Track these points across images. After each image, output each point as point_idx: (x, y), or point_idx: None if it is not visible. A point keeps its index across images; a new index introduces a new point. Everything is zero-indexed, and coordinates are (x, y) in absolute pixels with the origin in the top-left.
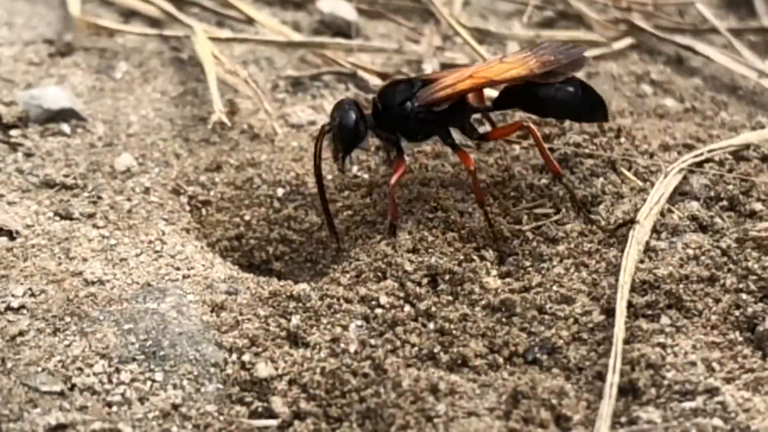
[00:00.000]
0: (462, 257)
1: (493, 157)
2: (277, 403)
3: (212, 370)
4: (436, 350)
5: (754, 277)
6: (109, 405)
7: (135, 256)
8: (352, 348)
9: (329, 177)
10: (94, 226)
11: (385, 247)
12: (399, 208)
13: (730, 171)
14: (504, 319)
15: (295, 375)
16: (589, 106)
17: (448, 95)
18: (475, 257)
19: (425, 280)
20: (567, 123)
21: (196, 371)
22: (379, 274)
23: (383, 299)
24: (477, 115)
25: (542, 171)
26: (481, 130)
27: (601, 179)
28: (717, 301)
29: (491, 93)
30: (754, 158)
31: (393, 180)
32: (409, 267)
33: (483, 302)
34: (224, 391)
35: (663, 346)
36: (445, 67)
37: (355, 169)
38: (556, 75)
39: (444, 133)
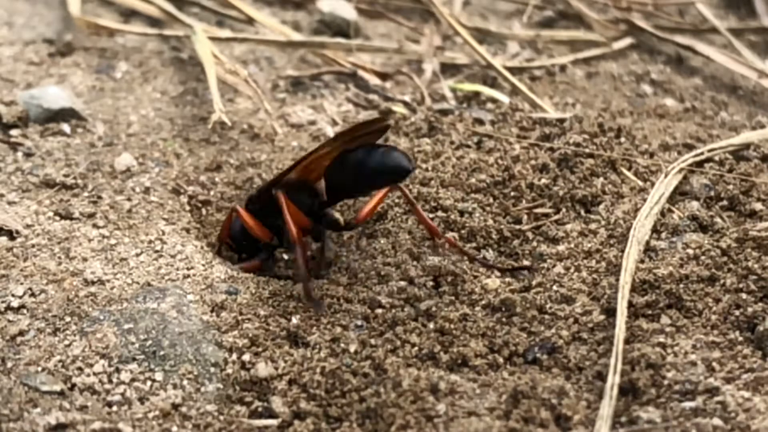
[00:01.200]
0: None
1: (493, 156)
2: (277, 403)
3: (212, 370)
4: (436, 350)
5: (754, 277)
6: (109, 405)
7: (135, 255)
8: (352, 348)
9: None
10: (94, 225)
11: (385, 247)
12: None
13: (730, 171)
14: (504, 319)
15: (295, 375)
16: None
17: None
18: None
19: (426, 281)
20: (567, 123)
21: (196, 371)
22: (380, 274)
23: (383, 299)
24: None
25: (542, 171)
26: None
27: (601, 179)
28: (717, 301)
29: None
30: (754, 158)
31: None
32: (409, 267)
33: (483, 302)
34: (224, 391)
35: (663, 346)
36: (446, 67)
37: None
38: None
39: None
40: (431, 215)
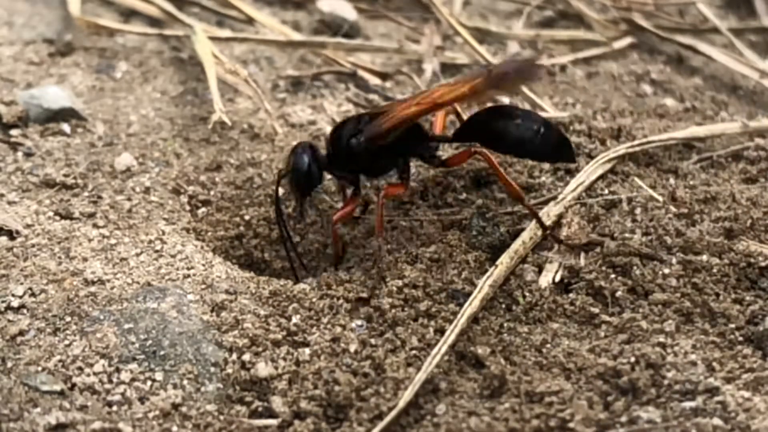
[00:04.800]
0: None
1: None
2: (277, 403)
3: (212, 369)
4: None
5: (754, 276)
6: (109, 404)
7: (135, 255)
8: (352, 348)
9: None
10: (94, 225)
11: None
12: (343, 245)
13: None
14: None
15: (295, 375)
16: (550, 148)
17: (392, 125)
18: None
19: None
20: (567, 123)
21: (196, 371)
22: (380, 274)
23: (383, 299)
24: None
25: (541, 171)
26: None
27: None
28: (717, 300)
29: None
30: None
31: (337, 215)
32: (408, 267)
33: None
34: (224, 390)
35: (663, 345)
36: (446, 67)
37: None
38: (504, 90)
39: (402, 164)
40: (433, 213)
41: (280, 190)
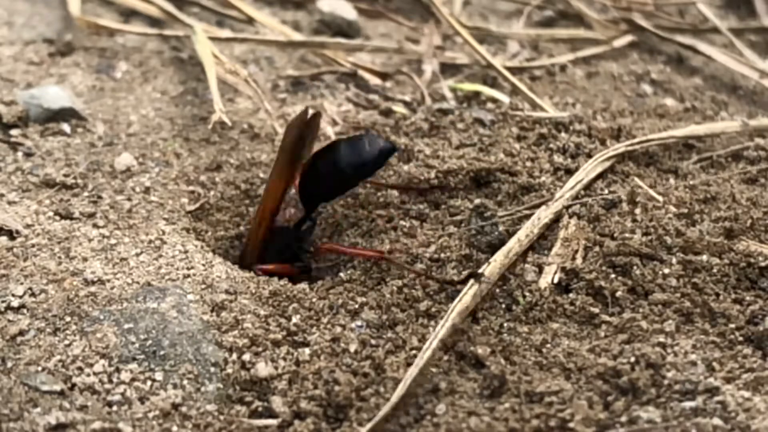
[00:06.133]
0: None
1: (492, 156)
2: (277, 403)
3: (212, 369)
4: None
5: (754, 276)
6: (109, 404)
7: (135, 255)
8: (352, 348)
9: None
10: (94, 225)
11: (385, 248)
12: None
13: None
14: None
15: (295, 375)
16: (360, 163)
17: (256, 245)
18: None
19: (425, 281)
20: (567, 123)
21: (196, 371)
22: (380, 274)
23: (383, 299)
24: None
25: (541, 171)
26: None
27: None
28: (717, 300)
29: None
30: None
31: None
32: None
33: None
34: (224, 390)
35: (663, 345)
36: (446, 67)
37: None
38: (300, 151)
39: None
40: (433, 213)
41: None
